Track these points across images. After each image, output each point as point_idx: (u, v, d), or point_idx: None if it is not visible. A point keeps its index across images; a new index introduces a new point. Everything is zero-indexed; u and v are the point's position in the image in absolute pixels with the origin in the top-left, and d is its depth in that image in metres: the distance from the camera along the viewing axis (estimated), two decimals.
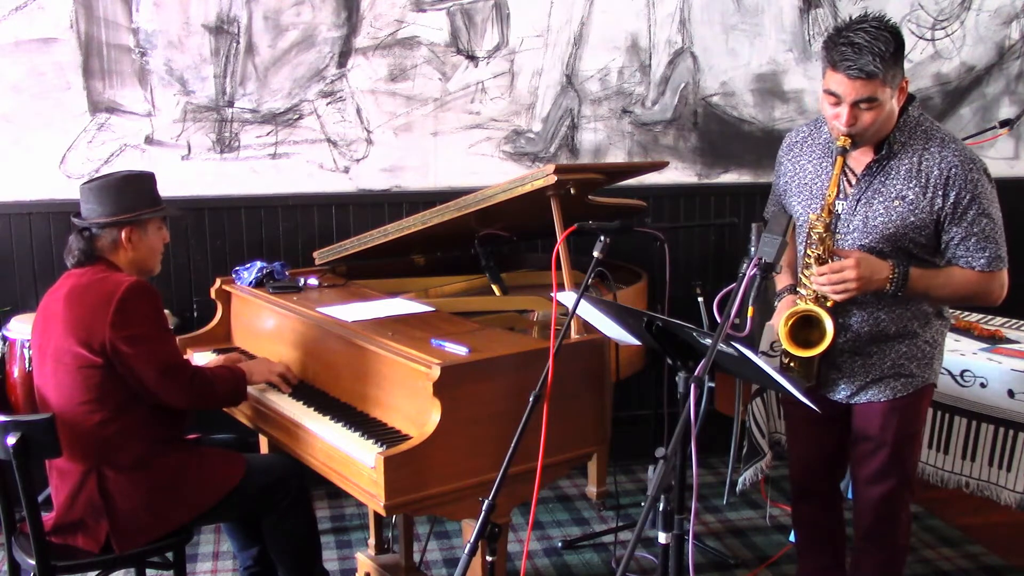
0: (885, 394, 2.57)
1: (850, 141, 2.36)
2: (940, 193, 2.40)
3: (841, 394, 2.62)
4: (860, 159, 2.48)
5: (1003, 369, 3.15)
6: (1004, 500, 3.15)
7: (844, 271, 2.36)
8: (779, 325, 2.48)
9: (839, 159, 2.38)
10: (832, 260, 2.40)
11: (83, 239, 2.65)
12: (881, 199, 2.45)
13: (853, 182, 2.49)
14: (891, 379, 2.57)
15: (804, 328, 2.44)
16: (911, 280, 2.40)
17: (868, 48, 2.26)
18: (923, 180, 2.41)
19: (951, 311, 3.80)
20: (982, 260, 2.44)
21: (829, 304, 2.43)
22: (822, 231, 2.40)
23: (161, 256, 2.79)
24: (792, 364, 2.54)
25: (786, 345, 2.45)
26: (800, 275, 2.50)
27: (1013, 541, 3.73)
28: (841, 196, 2.48)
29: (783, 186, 2.69)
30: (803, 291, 2.48)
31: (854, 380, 2.60)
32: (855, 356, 2.58)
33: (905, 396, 2.57)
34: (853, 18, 2.36)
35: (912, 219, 2.42)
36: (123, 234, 2.65)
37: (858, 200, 2.48)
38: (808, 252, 2.45)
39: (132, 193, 2.67)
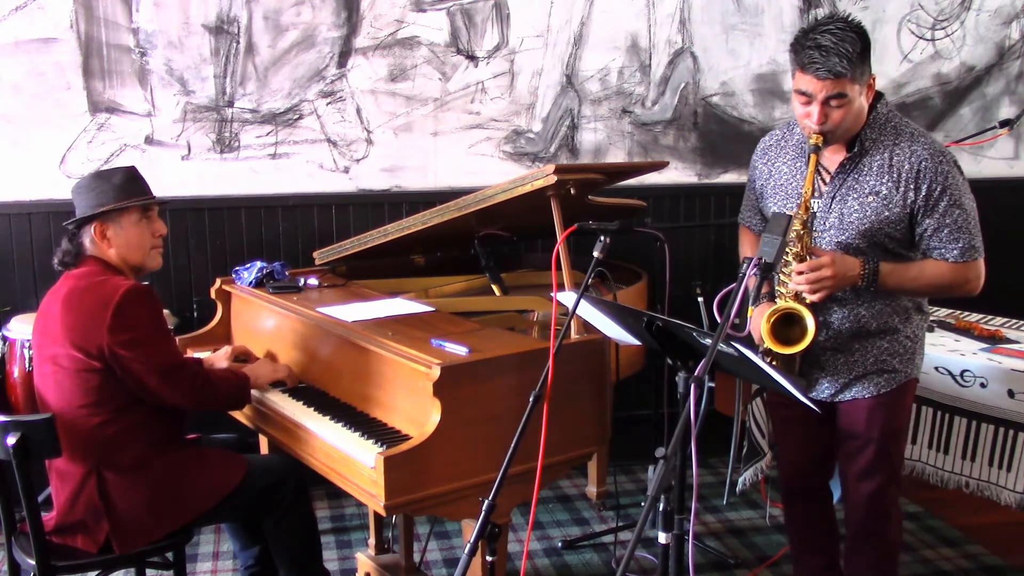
0: (869, 391, 2.60)
1: (822, 138, 2.41)
2: (912, 186, 2.44)
3: (825, 392, 2.65)
4: (833, 158, 2.52)
5: (1003, 369, 3.15)
6: (1004, 500, 3.15)
7: (820, 270, 2.40)
8: (761, 323, 2.49)
9: (813, 157, 2.43)
10: (809, 258, 2.43)
11: (68, 241, 2.66)
12: (855, 195, 2.49)
13: (827, 180, 2.54)
14: (874, 375, 2.59)
15: (785, 326, 2.46)
16: (882, 275, 2.46)
17: (835, 49, 2.31)
18: (895, 175, 2.45)
19: (952, 310, 3.83)
20: (955, 251, 2.47)
21: (808, 302, 2.46)
22: (800, 228, 2.43)
23: (158, 250, 2.75)
24: (774, 363, 2.54)
25: (768, 343, 2.46)
26: (779, 273, 2.52)
27: (1013, 541, 3.72)
28: (816, 195, 2.53)
29: (759, 190, 2.74)
30: (783, 289, 2.50)
31: (838, 378, 2.62)
32: (837, 354, 2.60)
33: (889, 392, 2.60)
34: (819, 19, 2.42)
35: (887, 213, 2.46)
36: (94, 230, 2.63)
37: (833, 197, 2.52)
38: (787, 250, 2.46)
39: (100, 188, 2.63)
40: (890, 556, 2.73)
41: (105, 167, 2.80)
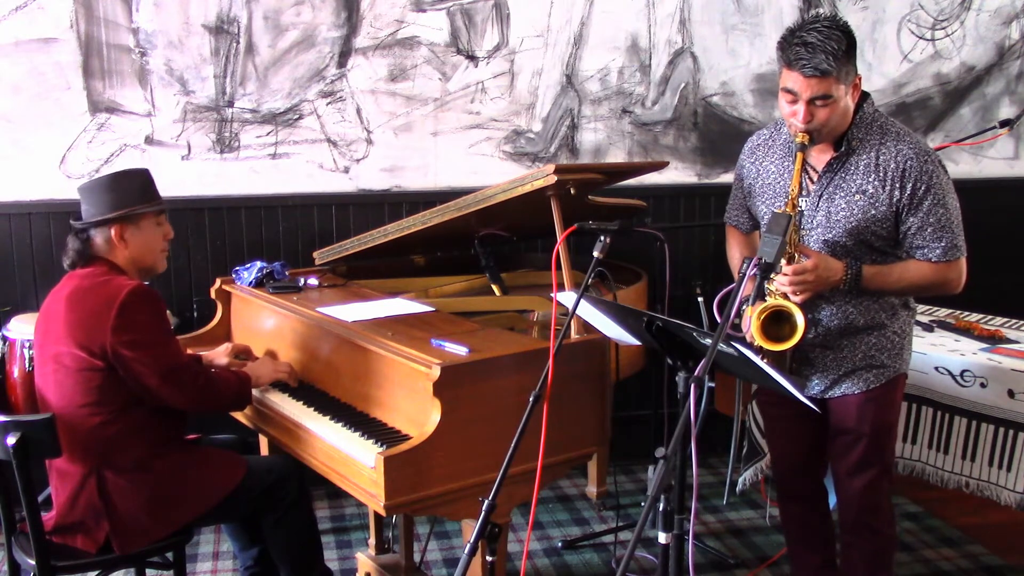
0: (859, 386, 2.62)
1: (808, 137, 2.43)
2: (898, 185, 2.47)
3: (815, 389, 2.67)
4: (820, 157, 2.55)
5: (1003, 369, 3.15)
6: (1004, 500, 3.15)
7: (805, 274, 2.43)
8: (752, 319, 2.50)
9: (799, 155, 2.46)
10: (798, 256, 2.46)
11: (79, 240, 2.65)
12: (843, 194, 2.52)
13: (815, 179, 2.56)
14: (863, 371, 2.62)
15: (775, 323, 2.47)
16: (864, 278, 2.50)
17: (821, 47, 2.34)
18: (881, 174, 2.48)
19: (952, 310, 3.83)
20: (938, 250, 2.50)
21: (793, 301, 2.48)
22: None
23: (165, 253, 2.77)
24: (765, 360, 2.55)
25: (759, 340, 2.47)
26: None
27: (1013, 541, 3.73)
28: (804, 193, 2.56)
29: (747, 188, 2.76)
30: (772, 287, 2.51)
31: (827, 374, 2.64)
32: (826, 350, 2.63)
33: (879, 387, 2.62)
34: (806, 18, 2.45)
35: (873, 212, 2.49)
36: (114, 232, 2.64)
37: (820, 196, 2.55)
38: None
39: (121, 190, 2.65)
40: (885, 550, 2.74)
41: (120, 169, 2.81)
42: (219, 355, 3.02)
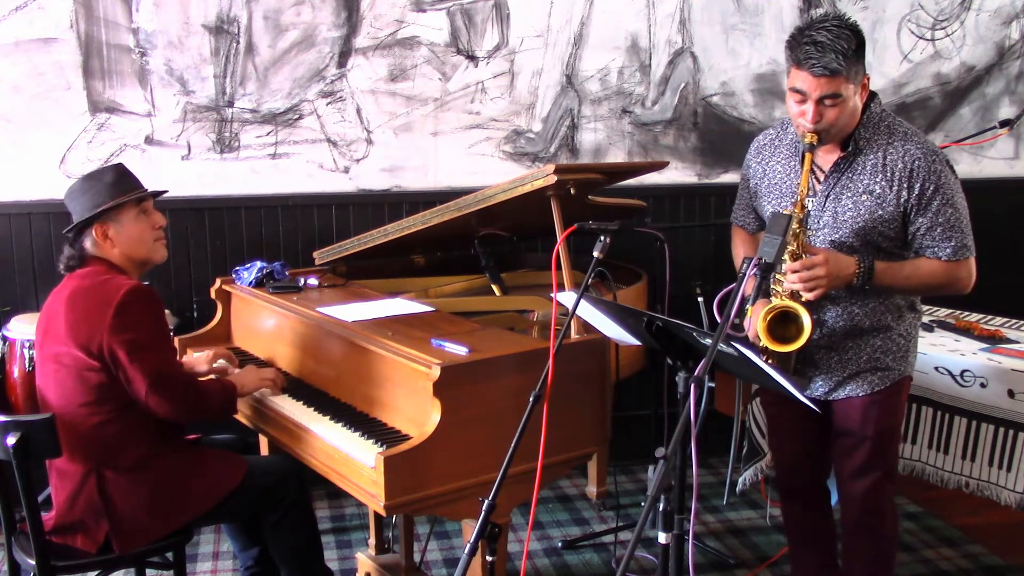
0: (863, 388, 2.61)
1: (816, 137, 2.42)
2: (905, 185, 2.45)
3: (819, 391, 2.66)
4: (827, 157, 2.54)
5: (1003, 369, 3.15)
6: (1004, 500, 3.15)
7: (814, 268, 2.41)
8: (757, 321, 2.49)
9: (807, 156, 2.44)
10: (805, 256, 2.44)
11: (69, 246, 2.66)
12: (849, 194, 2.51)
13: (821, 179, 2.55)
14: (868, 373, 2.60)
15: (781, 324, 2.46)
16: (876, 274, 2.47)
17: (831, 46, 2.32)
18: (889, 174, 2.47)
19: (952, 310, 3.83)
20: (948, 250, 2.49)
21: (803, 300, 2.47)
22: (795, 227, 2.42)
23: (161, 242, 2.73)
24: (769, 361, 2.55)
25: (765, 341, 2.46)
26: (775, 272, 2.51)
27: (1013, 541, 3.73)
28: (810, 193, 2.54)
29: (753, 188, 2.75)
30: (779, 288, 2.50)
31: (831, 376, 2.63)
32: (831, 352, 2.62)
33: (883, 389, 2.61)
34: (815, 17, 2.45)
35: (880, 212, 2.47)
36: (95, 232, 2.62)
37: (827, 196, 2.53)
38: None
39: (93, 190, 2.62)
40: (886, 553, 2.73)
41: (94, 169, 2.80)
42: (199, 362, 2.99)
